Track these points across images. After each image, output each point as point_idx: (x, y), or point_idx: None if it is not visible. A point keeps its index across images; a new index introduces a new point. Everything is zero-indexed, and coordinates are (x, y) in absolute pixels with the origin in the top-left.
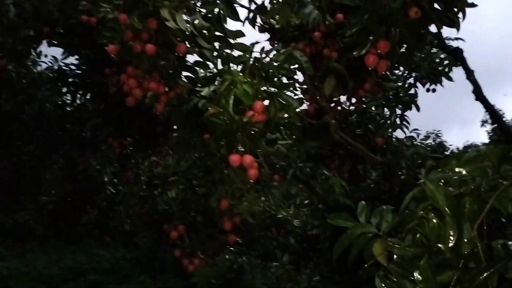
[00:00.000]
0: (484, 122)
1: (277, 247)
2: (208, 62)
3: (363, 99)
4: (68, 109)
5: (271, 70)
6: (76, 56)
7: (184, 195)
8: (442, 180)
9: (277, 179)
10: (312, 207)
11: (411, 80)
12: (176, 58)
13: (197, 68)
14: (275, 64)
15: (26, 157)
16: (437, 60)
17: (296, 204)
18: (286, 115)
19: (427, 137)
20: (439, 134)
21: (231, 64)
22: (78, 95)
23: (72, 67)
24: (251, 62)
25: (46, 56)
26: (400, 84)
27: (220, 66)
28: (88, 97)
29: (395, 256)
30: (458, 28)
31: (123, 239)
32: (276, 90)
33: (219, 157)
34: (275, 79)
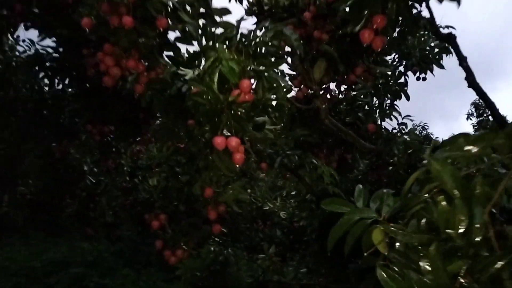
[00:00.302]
0: (469, 115)
1: (263, 239)
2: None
3: (353, 86)
4: (46, 94)
5: (259, 48)
6: (53, 39)
7: (166, 183)
8: (449, 160)
9: (264, 167)
10: (299, 199)
11: (401, 69)
12: (156, 34)
13: (179, 46)
14: (263, 41)
15: (1, 145)
16: (428, 48)
17: (282, 196)
18: (274, 96)
19: (413, 129)
20: (426, 127)
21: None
22: (56, 80)
23: (49, 50)
24: (237, 39)
25: (24, 41)
26: (389, 72)
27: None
28: (66, 82)
29: (397, 244)
30: (459, 2)
31: (105, 231)
32: (264, 68)
33: (203, 142)
34: (263, 57)
